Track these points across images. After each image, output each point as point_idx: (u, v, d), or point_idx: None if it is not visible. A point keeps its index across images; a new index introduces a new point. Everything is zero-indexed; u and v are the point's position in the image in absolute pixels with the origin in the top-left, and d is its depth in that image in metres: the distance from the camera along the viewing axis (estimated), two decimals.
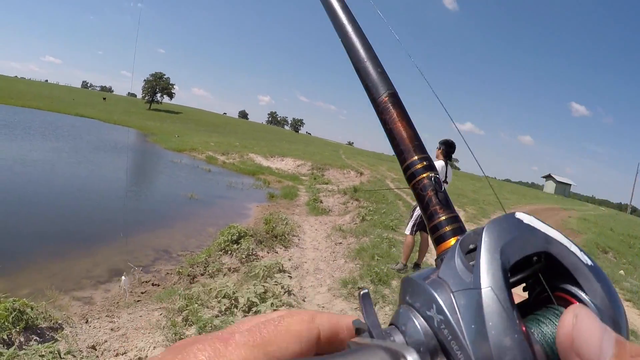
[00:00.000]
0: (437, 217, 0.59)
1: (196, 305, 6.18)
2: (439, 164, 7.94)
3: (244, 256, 9.39)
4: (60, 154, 25.52)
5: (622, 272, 13.35)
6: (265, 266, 7.92)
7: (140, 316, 6.79)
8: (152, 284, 8.97)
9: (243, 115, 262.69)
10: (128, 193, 18.06)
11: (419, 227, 8.23)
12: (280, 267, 8.43)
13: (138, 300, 7.90)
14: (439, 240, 0.56)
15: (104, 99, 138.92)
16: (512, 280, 0.41)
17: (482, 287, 0.37)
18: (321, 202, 19.97)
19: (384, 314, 6.29)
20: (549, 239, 0.41)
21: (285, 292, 6.94)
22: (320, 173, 32.46)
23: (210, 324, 5.50)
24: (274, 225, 11.78)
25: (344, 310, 6.55)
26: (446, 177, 8.01)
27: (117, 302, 7.80)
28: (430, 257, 9.31)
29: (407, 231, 8.37)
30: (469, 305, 0.37)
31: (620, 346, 0.34)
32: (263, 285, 6.83)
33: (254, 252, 9.74)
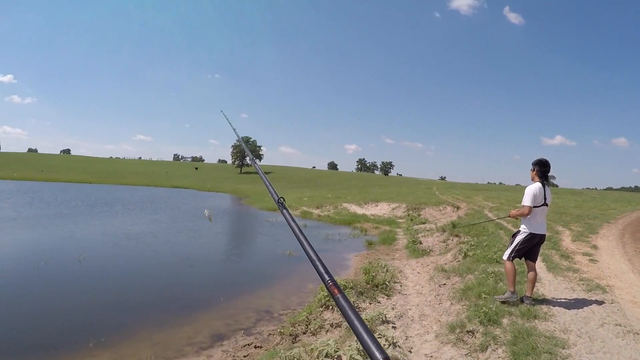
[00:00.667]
0: None
1: None
2: (536, 186, 7.60)
3: None
4: (159, 225, 26.44)
5: None
6: (366, 319, 7.68)
7: None
8: (255, 347, 8.88)
9: (332, 166, 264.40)
10: (230, 256, 18.41)
11: (522, 253, 7.75)
12: (384, 318, 8.19)
13: None
14: None
15: (196, 168, 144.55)
16: None
17: None
18: (420, 243, 19.61)
19: (496, 357, 5.90)
20: None
21: (390, 345, 6.64)
22: (416, 213, 32.01)
23: None
24: (373, 274, 11.51)
25: (453, 357, 6.20)
26: (545, 198, 7.61)
27: None
28: (540, 286, 8.81)
29: (505, 256, 7.89)
30: None
31: None
32: None
33: (356, 305, 9.50)
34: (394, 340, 6.86)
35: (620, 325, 6.65)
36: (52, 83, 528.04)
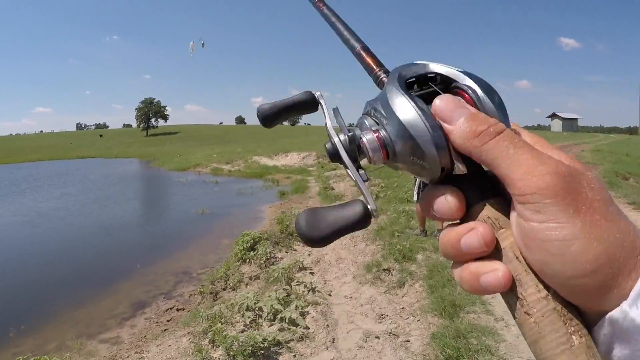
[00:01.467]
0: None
1: (219, 324, 5.91)
2: None
3: (262, 261, 9.10)
4: (70, 198, 25.46)
5: None
6: (283, 268, 7.64)
7: (169, 346, 6.53)
8: (177, 309, 8.72)
9: (240, 120, 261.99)
10: (144, 221, 18.01)
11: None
12: (300, 265, 8.18)
13: (165, 330, 7.66)
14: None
15: (101, 136, 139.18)
16: (417, 93, 0.60)
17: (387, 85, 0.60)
18: (332, 188, 19.78)
19: (414, 291, 6.01)
20: (433, 66, 0.62)
21: (309, 291, 6.64)
22: (326, 160, 32.20)
23: (236, 341, 5.22)
24: (287, 223, 11.50)
25: (372, 296, 6.26)
26: None
27: (145, 336, 7.57)
28: None
29: (414, 198, 8.26)
30: (382, 97, 0.59)
31: (473, 116, 0.51)
32: (284, 289, 6.55)
33: (272, 255, 9.47)
34: (313, 286, 6.85)
35: None
36: None
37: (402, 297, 5.99)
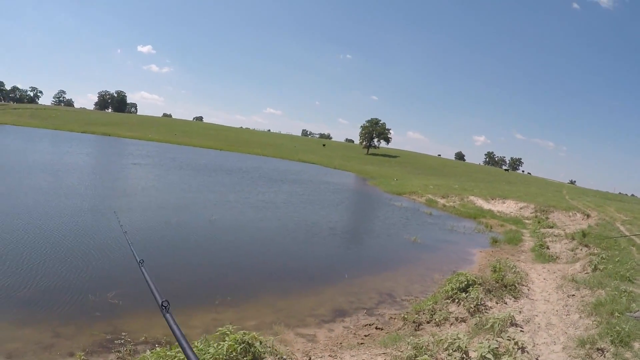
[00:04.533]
0: None
1: (426, 356, 6.24)
2: None
3: (472, 306, 9.28)
4: (296, 196, 27.66)
5: None
6: (498, 319, 7.79)
7: (363, 359, 7.01)
8: (376, 327, 9.21)
9: (459, 156, 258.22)
10: (355, 235, 18.94)
11: None
12: (512, 320, 8.24)
13: (361, 343, 8.15)
14: None
15: (324, 145, 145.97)
16: None
17: None
18: (547, 247, 19.20)
19: None
20: None
21: (519, 349, 6.73)
22: (544, 216, 31.08)
23: None
24: (502, 273, 11.50)
25: None
26: None
27: (340, 343, 8.14)
28: None
29: None
30: None
31: None
32: (497, 340, 6.73)
33: (483, 302, 9.60)
34: (523, 345, 6.92)
35: None
36: (188, 55, 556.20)
37: None
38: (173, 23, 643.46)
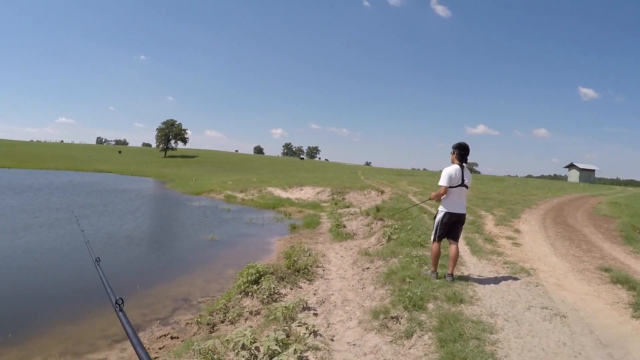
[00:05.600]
0: None
1: None
2: (452, 167, 7.83)
3: (265, 297, 8.73)
4: (82, 210, 25.36)
5: None
6: (285, 307, 7.24)
7: None
8: (171, 337, 8.45)
9: (258, 150, 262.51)
10: (151, 242, 17.69)
11: (445, 232, 8.00)
12: (304, 305, 7.80)
13: (155, 358, 7.32)
14: None
15: (120, 152, 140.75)
16: None
17: None
18: (344, 226, 19.46)
19: (423, 344, 5.58)
20: None
21: (310, 334, 6.22)
22: (340, 197, 31.99)
23: None
24: (295, 258, 11.14)
25: (377, 345, 5.84)
26: (463, 180, 7.83)
27: None
28: (465, 270, 8.67)
29: (432, 238, 8.11)
30: None
31: None
32: (284, 330, 6.13)
33: (277, 291, 9.08)
34: (315, 329, 6.44)
35: (546, 308, 6.54)
36: None
37: (410, 348, 5.55)
38: None
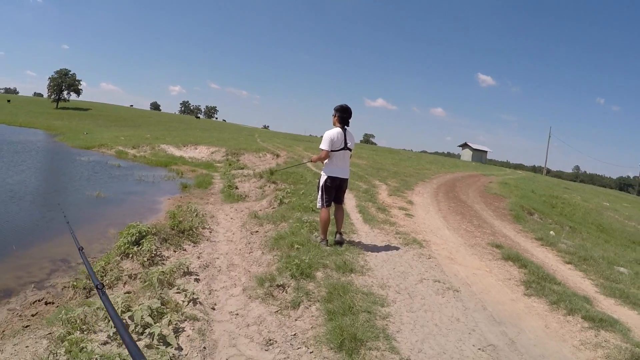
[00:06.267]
0: None
1: (78, 332, 4.98)
2: (334, 130, 7.78)
3: (145, 259, 8.14)
4: None
5: (552, 232, 12.94)
6: (162, 271, 6.73)
7: (27, 347, 5.46)
8: (46, 302, 7.65)
9: (155, 107, 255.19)
10: (34, 199, 16.46)
11: (331, 197, 7.98)
12: (186, 269, 7.30)
13: (27, 326, 6.55)
14: None
15: (9, 101, 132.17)
16: None
17: None
18: (236, 188, 19.09)
19: (310, 315, 5.27)
20: None
21: (189, 302, 5.75)
22: (235, 158, 31.55)
23: (93, 358, 4.33)
24: (180, 218, 10.57)
25: (261, 315, 5.47)
26: (346, 143, 7.78)
27: (3, 331, 6.46)
28: (357, 237, 8.47)
29: (319, 204, 8.00)
30: None
31: None
32: (160, 297, 5.63)
33: (159, 253, 8.53)
34: (195, 296, 5.97)
35: (439, 281, 6.46)
36: None
37: (296, 320, 5.24)
38: None
